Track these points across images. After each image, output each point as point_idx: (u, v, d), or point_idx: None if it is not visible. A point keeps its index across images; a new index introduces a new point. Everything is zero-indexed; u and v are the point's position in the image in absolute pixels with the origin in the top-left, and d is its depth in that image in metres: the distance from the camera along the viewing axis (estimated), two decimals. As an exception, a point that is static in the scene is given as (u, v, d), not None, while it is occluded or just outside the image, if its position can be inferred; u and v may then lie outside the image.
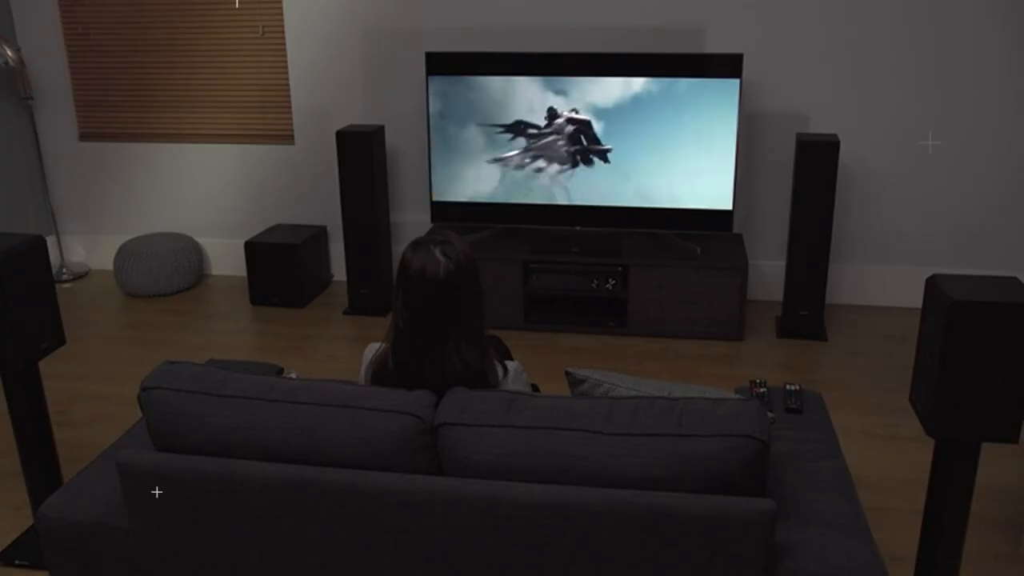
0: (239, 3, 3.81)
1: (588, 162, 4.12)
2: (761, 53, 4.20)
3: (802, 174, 3.87)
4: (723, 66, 3.91)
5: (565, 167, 4.15)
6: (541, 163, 4.16)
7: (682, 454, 1.60)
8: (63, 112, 4.95)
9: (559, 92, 4.07)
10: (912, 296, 4.42)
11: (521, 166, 4.18)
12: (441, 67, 4.14)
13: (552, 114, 4.09)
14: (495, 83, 4.11)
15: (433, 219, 4.36)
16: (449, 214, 4.34)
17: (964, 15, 4.01)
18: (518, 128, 4.14)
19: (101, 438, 3.33)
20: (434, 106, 4.20)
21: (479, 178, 4.24)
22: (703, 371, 3.80)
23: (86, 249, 5.18)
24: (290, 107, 4.74)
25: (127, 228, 5.11)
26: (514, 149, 4.17)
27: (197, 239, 5.02)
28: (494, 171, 4.22)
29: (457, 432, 1.69)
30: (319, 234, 4.71)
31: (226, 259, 5.04)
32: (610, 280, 4.09)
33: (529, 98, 4.09)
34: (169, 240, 4.79)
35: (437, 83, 4.16)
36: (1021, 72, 4.05)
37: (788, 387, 2.40)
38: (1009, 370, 1.82)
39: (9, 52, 4.55)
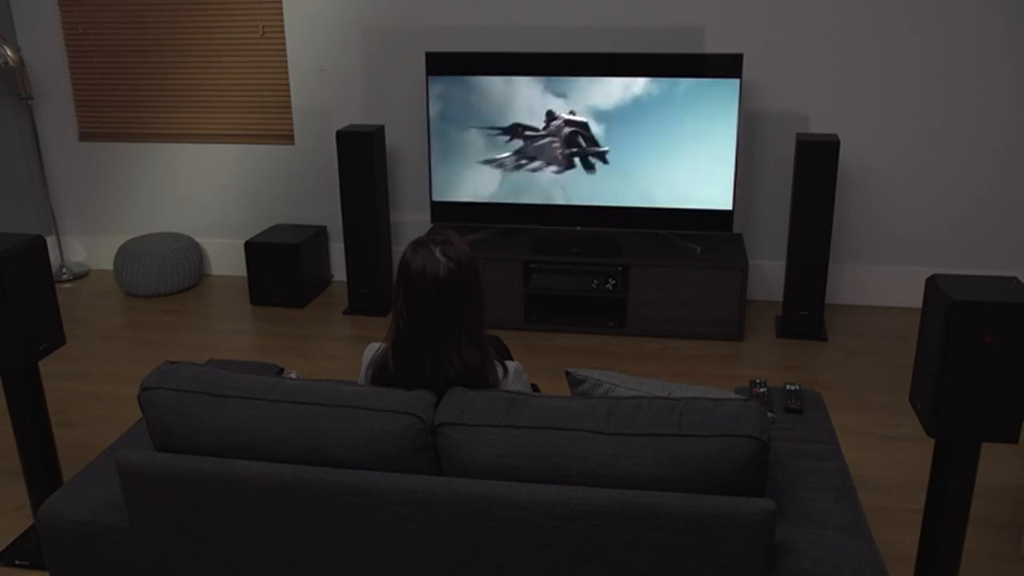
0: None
1: (587, 163, 4.12)
2: (761, 53, 4.21)
3: (802, 174, 3.87)
4: (723, 66, 3.91)
5: (563, 168, 4.14)
6: (539, 164, 4.16)
7: (682, 454, 1.60)
8: (63, 112, 4.95)
9: (559, 93, 4.06)
10: (912, 296, 4.42)
11: (519, 167, 4.18)
12: (441, 67, 4.14)
13: (551, 115, 4.09)
14: (495, 83, 4.11)
15: (433, 219, 4.36)
16: (449, 214, 4.34)
17: (964, 15, 4.01)
18: (516, 129, 4.14)
19: (101, 438, 3.33)
20: (434, 106, 4.20)
21: (479, 178, 4.24)
22: (703, 371, 3.80)
23: (86, 249, 5.18)
24: (290, 107, 4.74)
25: (127, 228, 5.11)
26: (512, 150, 4.17)
27: (197, 239, 5.02)
28: (494, 171, 4.22)
29: (457, 432, 1.69)
30: (319, 234, 4.71)
31: (226, 259, 5.04)
32: (610, 280, 4.09)
33: (528, 99, 4.09)
34: (169, 240, 4.78)
35: (437, 83, 4.16)
36: (1021, 72, 4.05)
37: (788, 387, 2.40)
38: (1009, 370, 1.82)
39: (9, 52, 4.54)
